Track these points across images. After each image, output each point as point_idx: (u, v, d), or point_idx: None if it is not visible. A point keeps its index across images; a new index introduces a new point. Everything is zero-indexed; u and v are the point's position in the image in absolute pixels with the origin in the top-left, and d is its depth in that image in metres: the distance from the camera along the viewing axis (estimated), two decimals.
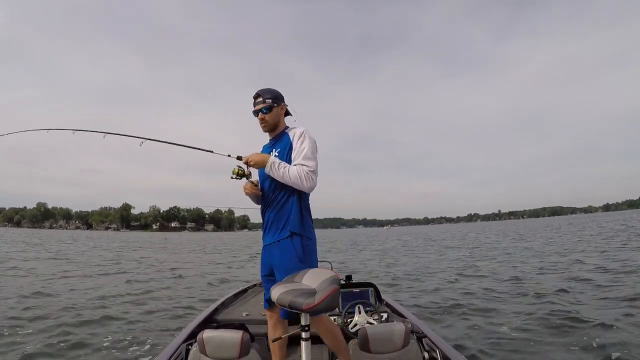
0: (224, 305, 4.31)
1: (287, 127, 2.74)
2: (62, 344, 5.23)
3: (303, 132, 2.60)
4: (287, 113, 2.77)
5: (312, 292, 2.20)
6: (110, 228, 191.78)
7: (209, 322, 3.66)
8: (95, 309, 7.39)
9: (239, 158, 2.64)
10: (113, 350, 5.03)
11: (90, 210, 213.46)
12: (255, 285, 5.56)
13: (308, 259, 2.52)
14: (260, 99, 2.64)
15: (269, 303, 2.64)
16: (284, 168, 2.47)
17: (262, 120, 2.66)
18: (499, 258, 16.02)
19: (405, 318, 3.51)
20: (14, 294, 8.91)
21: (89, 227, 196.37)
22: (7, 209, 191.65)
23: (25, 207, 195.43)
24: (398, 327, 2.51)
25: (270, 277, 2.62)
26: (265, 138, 2.82)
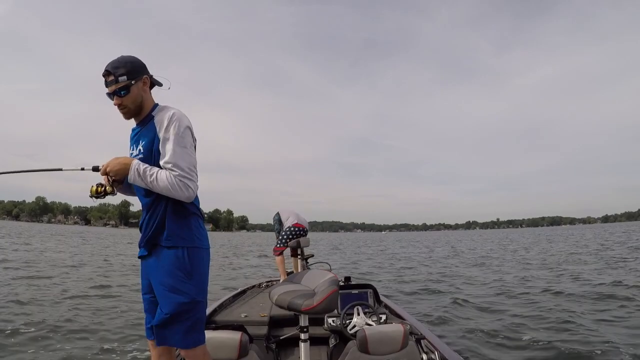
0: (223, 306, 4.29)
1: (155, 106, 2.05)
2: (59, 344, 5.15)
3: (171, 117, 1.92)
4: (156, 83, 2.09)
5: (311, 294, 2.21)
6: (108, 224, 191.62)
7: (208, 323, 3.64)
8: (85, 310, 7.26)
9: (96, 169, 1.97)
10: (112, 352, 4.98)
11: (89, 206, 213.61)
12: (254, 286, 5.55)
13: (198, 272, 1.94)
14: (111, 78, 1.92)
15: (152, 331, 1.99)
16: (151, 176, 1.85)
17: (120, 106, 1.96)
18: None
19: (404, 319, 3.51)
20: None
21: (87, 222, 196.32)
22: (5, 202, 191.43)
23: (24, 201, 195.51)
24: (397, 328, 2.50)
25: (151, 295, 2.02)
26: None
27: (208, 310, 3.90)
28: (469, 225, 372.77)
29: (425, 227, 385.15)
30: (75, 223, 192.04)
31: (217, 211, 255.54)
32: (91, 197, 1.99)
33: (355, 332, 3.02)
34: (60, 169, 2.03)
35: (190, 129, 1.97)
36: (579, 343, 4.96)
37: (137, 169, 1.86)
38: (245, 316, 3.91)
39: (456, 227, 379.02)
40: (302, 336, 2.31)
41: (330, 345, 3.30)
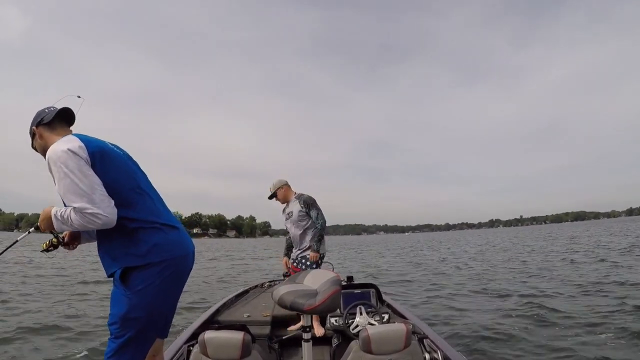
0: (226, 306, 4.31)
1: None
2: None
3: (48, 159, 1.88)
4: (64, 117, 2.13)
5: (313, 293, 2.18)
6: None
7: (211, 323, 3.66)
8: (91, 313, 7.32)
9: (37, 228, 2.04)
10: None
11: None
12: (256, 286, 5.56)
13: (133, 290, 1.90)
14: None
15: None
16: (67, 217, 1.82)
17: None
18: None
19: (407, 319, 3.46)
20: None
21: None
22: (29, 214, 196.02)
23: None
24: (399, 328, 2.47)
25: None
26: None
27: (211, 311, 3.94)
28: (492, 224, 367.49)
29: (447, 227, 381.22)
30: None
31: (239, 217, 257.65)
32: (44, 250, 2.12)
33: (358, 331, 3.00)
34: (16, 240, 2.12)
35: (68, 151, 1.84)
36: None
37: (55, 216, 1.86)
38: (248, 316, 3.92)
39: (479, 226, 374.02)
40: (305, 336, 2.27)
41: (333, 345, 3.28)
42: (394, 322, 3.03)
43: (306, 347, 2.25)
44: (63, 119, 2.11)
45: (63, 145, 1.87)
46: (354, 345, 2.46)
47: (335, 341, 3.29)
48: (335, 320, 3.33)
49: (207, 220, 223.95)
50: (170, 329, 2.26)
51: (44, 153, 2.03)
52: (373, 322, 3.16)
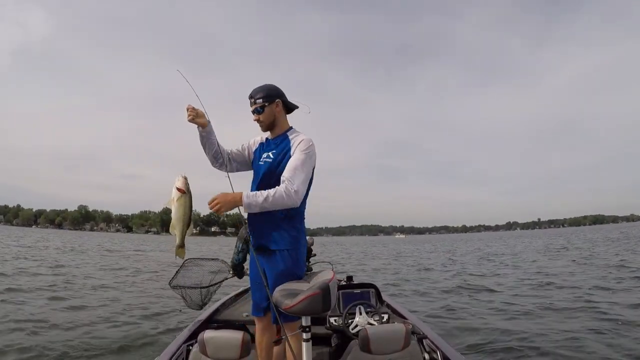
0: (225, 305, 4.29)
1: (290, 129, 2.63)
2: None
3: (305, 141, 2.48)
4: (290, 109, 2.65)
5: (297, 293, 2.16)
6: (150, 231, 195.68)
7: (210, 322, 3.66)
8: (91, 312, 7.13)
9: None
10: (113, 351, 5.02)
11: (130, 214, 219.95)
12: None
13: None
14: (252, 100, 2.54)
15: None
16: (268, 193, 2.33)
17: (257, 121, 2.57)
18: None
19: (406, 319, 3.42)
20: None
21: (129, 230, 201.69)
22: (48, 211, 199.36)
23: (66, 210, 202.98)
24: (399, 328, 2.44)
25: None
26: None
27: (210, 310, 3.92)
28: (510, 226, 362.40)
29: (465, 229, 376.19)
30: (117, 231, 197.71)
31: None
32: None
33: (357, 331, 2.98)
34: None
35: (315, 150, 2.49)
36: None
37: (248, 195, 2.31)
38: (247, 315, 3.87)
39: (496, 228, 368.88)
40: (304, 336, 2.26)
41: (333, 345, 3.27)
42: (394, 322, 3.01)
43: (305, 347, 2.25)
44: (289, 111, 2.65)
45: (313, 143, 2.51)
46: (354, 345, 2.45)
47: (334, 341, 3.27)
48: (335, 320, 3.30)
49: (225, 219, 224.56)
50: (169, 329, 2.29)
51: (267, 122, 2.55)
52: (372, 322, 3.12)
